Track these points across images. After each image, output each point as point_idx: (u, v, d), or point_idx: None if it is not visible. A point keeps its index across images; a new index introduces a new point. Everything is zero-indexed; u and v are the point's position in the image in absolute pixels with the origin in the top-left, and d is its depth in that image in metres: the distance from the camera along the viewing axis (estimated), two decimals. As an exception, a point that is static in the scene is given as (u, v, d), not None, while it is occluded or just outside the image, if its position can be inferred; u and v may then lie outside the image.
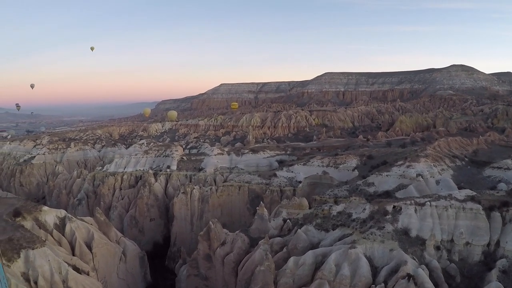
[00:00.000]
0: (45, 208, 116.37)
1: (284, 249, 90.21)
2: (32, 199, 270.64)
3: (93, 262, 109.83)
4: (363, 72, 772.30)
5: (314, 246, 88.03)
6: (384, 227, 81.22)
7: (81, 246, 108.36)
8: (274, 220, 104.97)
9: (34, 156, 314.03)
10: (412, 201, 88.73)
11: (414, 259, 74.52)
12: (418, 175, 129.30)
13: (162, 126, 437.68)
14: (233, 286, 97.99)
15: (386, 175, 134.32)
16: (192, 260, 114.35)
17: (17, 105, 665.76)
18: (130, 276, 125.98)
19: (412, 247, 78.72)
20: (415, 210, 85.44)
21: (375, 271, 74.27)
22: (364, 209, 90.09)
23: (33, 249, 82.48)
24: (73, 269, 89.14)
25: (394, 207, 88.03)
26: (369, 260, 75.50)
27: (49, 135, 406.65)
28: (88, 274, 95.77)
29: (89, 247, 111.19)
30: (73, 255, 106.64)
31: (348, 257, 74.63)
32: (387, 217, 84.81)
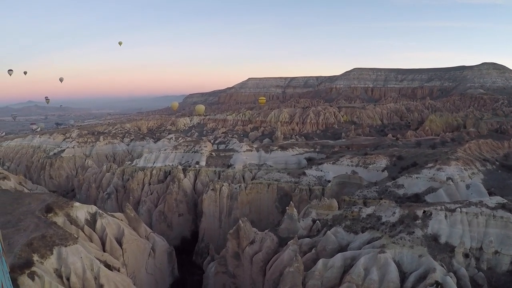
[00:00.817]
0: (77, 204, 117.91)
1: (313, 250, 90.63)
2: (61, 192, 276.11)
3: (123, 257, 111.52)
4: (392, 68, 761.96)
5: (343, 248, 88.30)
6: (413, 232, 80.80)
7: (112, 242, 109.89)
8: (303, 220, 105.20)
9: (64, 150, 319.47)
10: (443, 207, 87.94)
11: (443, 266, 74.16)
12: (448, 178, 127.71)
13: (190, 121, 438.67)
14: (260, 285, 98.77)
15: (416, 178, 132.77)
16: (220, 258, 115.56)
17: (47, 98, 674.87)
18: (158, 271, 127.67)
19: (441, 253, 78.26)
20: (445, 216, 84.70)
21: (403, 276, 74.04)
22: (394, 212, 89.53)
23: (65, 246, 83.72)
24: (104, 266, 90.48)
25: (424, 212, 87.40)
26: (398, 265, 75.26)
27: (78, 129, 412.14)
28: (118, 270, 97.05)
29: (119, 243, 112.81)
30: (104, 250, 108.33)
31: (377, 261, 74.68)
32: (417, 222, 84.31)
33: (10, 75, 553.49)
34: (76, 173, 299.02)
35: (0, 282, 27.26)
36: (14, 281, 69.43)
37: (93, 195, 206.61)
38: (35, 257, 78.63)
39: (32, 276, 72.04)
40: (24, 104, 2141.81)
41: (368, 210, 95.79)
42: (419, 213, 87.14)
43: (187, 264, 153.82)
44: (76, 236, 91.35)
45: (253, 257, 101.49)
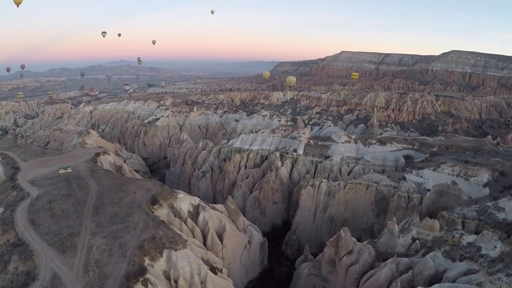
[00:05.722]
0: (180, 195, 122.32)
1: (410, 272, 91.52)
2: (153, 159, 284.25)
3: (222, 252, 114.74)
4: (493, 54, 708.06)
5: (438, 273, 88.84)
6: (512, 274, 78.87)
7: (213, 237, 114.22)
8: (403, 237, 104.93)
9: (158, 118, 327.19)
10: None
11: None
12: None
13: (284, 96, 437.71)
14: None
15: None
16: (315, 261, 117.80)
17: (139, 60, 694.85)
18: (250, 261, 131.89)
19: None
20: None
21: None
22: (495, 246, 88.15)
23: (175, 250, 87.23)
24: (207, 264, 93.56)
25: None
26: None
27: (172, 97, 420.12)
28: (221, 271, 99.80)
29: (220, 238, 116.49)
30: (205, 244, 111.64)
31: (474, 300, 74.05)
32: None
33: (104, 36, 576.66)
34: (169, 142, 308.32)
35: None
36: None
37: (188, 171, 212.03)
38: (146, 261, 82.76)
39: (145, 283, 75.92)
40: (117, 63, 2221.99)
41: (469, 239, 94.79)
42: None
43: (276, 253, 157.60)
44: (185, 239, 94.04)
45: (349, 267, 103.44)
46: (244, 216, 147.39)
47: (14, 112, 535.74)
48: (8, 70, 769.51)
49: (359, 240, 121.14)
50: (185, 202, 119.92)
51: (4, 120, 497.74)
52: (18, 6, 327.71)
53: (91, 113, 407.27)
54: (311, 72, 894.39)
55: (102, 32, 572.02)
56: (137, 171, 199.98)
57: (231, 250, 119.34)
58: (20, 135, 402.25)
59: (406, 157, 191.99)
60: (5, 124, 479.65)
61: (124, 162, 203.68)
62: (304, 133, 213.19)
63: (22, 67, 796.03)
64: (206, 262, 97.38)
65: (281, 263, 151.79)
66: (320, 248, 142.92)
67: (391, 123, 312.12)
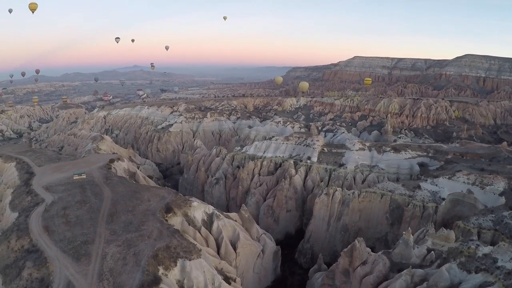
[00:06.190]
0: (195, 203, 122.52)
1: (424, 284, 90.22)
2: (166, 165, 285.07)
3: (236, 261, 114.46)
4: (508, 58, 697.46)
5: (454, 285, 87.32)
6: (529, 286, 78.13)
7: (227, 246, 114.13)
8: (418, 248, 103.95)
9: (172, 124, 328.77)
10: None
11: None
12: None
13: (297, 101, 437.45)
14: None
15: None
16: (329, 271, 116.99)
17: (152, 65, 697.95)
18: (263, 270, 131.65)
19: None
20: None
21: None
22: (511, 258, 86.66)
23: (189, 260, 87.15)
24: (220, 274, 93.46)
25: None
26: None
27: (185, 103, 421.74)
28: (234, 281, 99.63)
29: (234, 246, 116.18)
30: (218, 253, 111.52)
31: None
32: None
33: (117, 42, 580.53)
34: (183, 148, 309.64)
35: None
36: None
37: (202, 178, 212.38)
38: (161, 270, 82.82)
39: (160, 293, 75.46)
40: (130, 69, 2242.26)
41: (485, 250, 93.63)
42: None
43: (289, 261, 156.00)
44: (199, 248, 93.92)
45: (364, 278, 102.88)
46: (257, 223, 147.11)
47: (28, 116, 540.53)
48: (23, 74, 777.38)
49: (373, 249, 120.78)
50: (199, 210, 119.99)
51: (19, 124, 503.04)
52: (33, 12, 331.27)
53: (105, 118, 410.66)
54: (324, 77, 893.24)
55: (116, 38, 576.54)
56: (150, 177, 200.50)
57: (244, 259, 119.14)
58: (34, 139, 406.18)
59: (421, 165, 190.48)
60: (19, 128, 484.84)
61: (138, 168, 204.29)
62: (318, 141, 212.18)
63: (37, 71, 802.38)
64: (220, 271, 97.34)
65: (294, 272, 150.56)
66: (333, 257, 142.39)
67: (405, 129, 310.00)
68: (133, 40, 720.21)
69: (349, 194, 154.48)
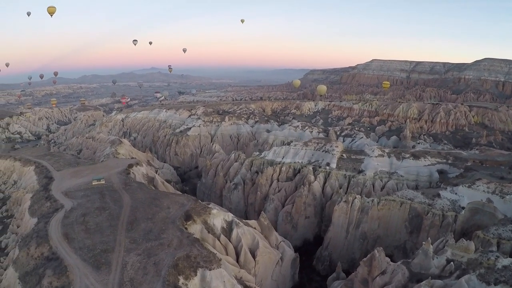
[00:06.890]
0: (214, 211, 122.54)
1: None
2: (184, 168, 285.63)
3: (255, 269, 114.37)
4: None
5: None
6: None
7: (246, 254, 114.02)
8: (437, 258, 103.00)
9: (190, 128, 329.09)
10: None
11: None
12: None
13: (315, 105, 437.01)
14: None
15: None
16: (348, 280, 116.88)
17: (169, 67, 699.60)
18: (281, 277, 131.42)
19: None
20: None
21: None
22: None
23: (210, 269, 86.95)
24: (240, 283, 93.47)
25: None
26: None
27: (203, 106, 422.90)
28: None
29: (253, 254, 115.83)
30: (237, 261, 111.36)
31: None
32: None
33: (135, 44, 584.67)
34: (201, 151, 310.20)
35: None
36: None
37: (220, 183, 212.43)
38: (181, 280, 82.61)
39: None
40: (148, 71, 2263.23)
41: (505, 262, 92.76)
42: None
43: (307, 268, 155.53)
44: (219, 258, 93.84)
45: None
46: (276, 230, 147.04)
47: (47, 118, 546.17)
48: (41, 76, 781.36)
49: (391, 257, 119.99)
50: (218, 218, 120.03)
51: (37, 126, 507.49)
52: (51, 15, 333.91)
53: (122, 121, 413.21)
54: (342, 80, 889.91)
55: (133, 40, 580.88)
56: (168, 181, 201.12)
57: (263, 267, 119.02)
58: (52, 141, 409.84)
59: (440, 172, 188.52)
60: (38, 130, 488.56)
61: (156, 172, 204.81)
62: (337, 146, 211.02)
63: (55, 74, 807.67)
64: (240, 280, 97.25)
65: (312, 279, 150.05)
66: (351, 264, 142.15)
67: (424, 134, 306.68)
68: (150, 43, 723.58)
69: (368, 202, 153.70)
